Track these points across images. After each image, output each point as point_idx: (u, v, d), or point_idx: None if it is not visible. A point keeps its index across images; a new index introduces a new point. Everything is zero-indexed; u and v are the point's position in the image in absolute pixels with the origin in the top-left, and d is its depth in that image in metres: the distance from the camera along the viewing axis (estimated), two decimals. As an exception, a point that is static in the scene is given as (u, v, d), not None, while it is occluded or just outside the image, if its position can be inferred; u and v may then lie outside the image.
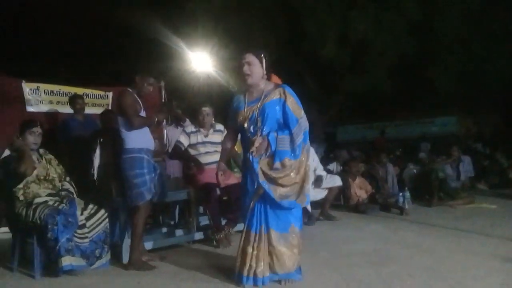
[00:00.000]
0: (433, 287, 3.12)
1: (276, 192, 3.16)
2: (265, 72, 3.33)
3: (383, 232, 5.13)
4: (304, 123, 3.26)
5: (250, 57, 3.28)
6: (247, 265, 3.21)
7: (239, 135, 3.53)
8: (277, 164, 3.17)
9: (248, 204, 3.27)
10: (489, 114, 17.85)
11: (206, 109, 4.90)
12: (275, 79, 3.50)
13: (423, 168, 7.93)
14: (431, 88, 13.74)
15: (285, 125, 3.24)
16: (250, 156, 3.20)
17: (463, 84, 13.29)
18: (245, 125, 3.28)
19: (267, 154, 3.19)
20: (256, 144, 3.17)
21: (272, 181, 3.16)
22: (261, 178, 3.16)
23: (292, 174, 3.18)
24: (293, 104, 3.25)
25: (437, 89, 13.55)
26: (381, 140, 14.11)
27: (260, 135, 3.20)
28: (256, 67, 3.28)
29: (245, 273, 3.21)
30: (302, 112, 3.29)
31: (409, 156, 10.59)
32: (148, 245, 4.28)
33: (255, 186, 3.22)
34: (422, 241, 4.53)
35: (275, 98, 3.26)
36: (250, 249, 3.22)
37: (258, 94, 3.32)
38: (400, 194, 6.52)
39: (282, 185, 3.16)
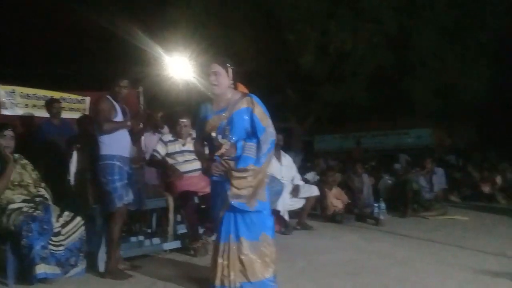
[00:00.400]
0: (407, 298, 3.18)
1: (231, 191, 3.17)
2: (231, 82, 3.35)
3: (359, 243, 5.19)
4: (271, 132, 3.31)
5: (216, 67, 3.30)
6: (219, 275, 3.20)
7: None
8: (240, 169, 3.19)
9: (217, 214, 3.27)
10: (462, 127, 18.27)
11: (184, 121, 4.89)
12: (242, 88, 3.54)
13: (398, 179, 8.05)
14: (407, 100, 14.01)
15: (252, 133, 3.28)
16: (217, 158, 3.22)
17: (438, 97, 13.60)
18: (213, 134, 3.28)
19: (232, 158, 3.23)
20: (226, 147, 3.21)
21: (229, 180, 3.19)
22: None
23: (249, 178, 3.19)
24: (261, 113, 3.30)
25: (413, 101, 13.83)
26: (357, 150, 14.27)
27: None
28: (222, 77, 3.30)
29: (217, 283, 3.20)
30: (270, 121, 3.34)
31: (385, 167, 10.74)
32: (124, 253, 4.22)
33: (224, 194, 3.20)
34: (396, 251, 4.61)
35: (243, 107, 3.30)
36: (220, 259, 3.23)
37: (225, 103, 3.34)
38: (376, 204, 6.59)
39: (236, 187, 3.16)
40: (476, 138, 19.10)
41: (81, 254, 3.88)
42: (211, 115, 3.33)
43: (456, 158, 12.72)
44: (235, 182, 3.16)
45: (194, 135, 4.94)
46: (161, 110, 5.96)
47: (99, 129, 3.76)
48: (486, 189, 8.85)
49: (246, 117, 3.28)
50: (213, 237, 4.50)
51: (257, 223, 3.26)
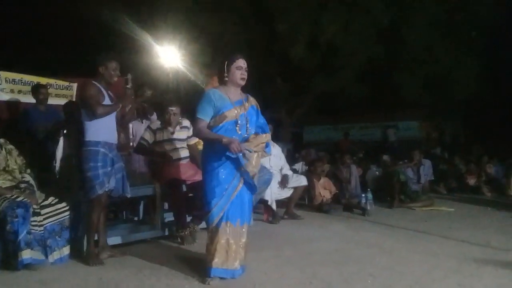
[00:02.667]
0: (392, 286, 3.20)
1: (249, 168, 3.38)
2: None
3: (346, 232, 5.22)
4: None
5: (244, 63, 3.51)
6: (223, 257, 3.32)
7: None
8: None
9: (226, 197, 3.36)
10: (449, 120, 18.46)
11: (173, 109, 4.82)
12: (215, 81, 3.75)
13: (386, 170, 8.11)
14: (396, 93, 14.09)
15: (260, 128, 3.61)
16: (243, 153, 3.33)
17: (427, 90, 13.69)
18: (238, 123, 3.42)
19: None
20: (257, 140, 3.44)
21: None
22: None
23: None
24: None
25: (402, 94, 13.91)
26: (345, 142, 14.34)
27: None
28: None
29: (229, 266, 3.34)
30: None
31: (372, 158, 10.81)
32: (112, 240, 4.20)
33: (236, 180, 3.38)
34: (383, 241, 4.64)
35: (253, 104, 3.59)
36: (232, 242, 3.37)
37: (240, 96, 3.55)
38: (363, 195, 6.63)
39: (254, 166, 3.43)
40: (462, 131, 19.32)
41: (59, 238, 3.83)
42: (229, 105, 3.43)
43: (441, 151, 12.85)
44: (254, 162, 3.39)
45: (184, 123, 4.95)
46: (150, 89, 5.78)
47: (93, 113, 3.68)
48: (471, 181, 8.97)
49: (256, 113, 3.59)
50: (201, 225, 4.55)
51: (251, 208, 3.56)
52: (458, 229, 5.29)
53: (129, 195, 4.11)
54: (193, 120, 3.58)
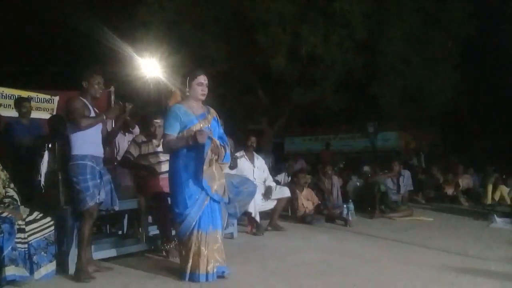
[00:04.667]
0: (376, 296, 3.29)
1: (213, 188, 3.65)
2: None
3: (329, 243, 5.31)
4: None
5: (205, 79, 3.75)
6: (202, 263, 3.56)
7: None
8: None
9: (198, 207, 3.58)
10: (426, 131, 18.82)
11: (158, 121, 4.85)
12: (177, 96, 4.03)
13: (366, 181, 8.25)
14: (375, 104, 14.33)
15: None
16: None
17: (404, 101, 13.97)
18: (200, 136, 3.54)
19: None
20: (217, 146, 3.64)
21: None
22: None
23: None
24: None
25: (380, 105, 14.15)
26: (327, 153, 14.50)
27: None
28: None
29: (201, 271, 3.55)
30: None
31: (352, 168, 10.97)
32: (96, 255, 4.16)
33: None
34: (365, 251, 4.74)
35: (214, 116, 3.83)
36: (203, 248, 3.58)
37: (202, 109, 3.77)
38: (345, 206, 6.74)
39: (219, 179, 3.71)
40: (439, 142, 19.72)
41: (45, 254, 3.79)
42: (195, 120, 3.64)
43: (418, 160, 13.10)
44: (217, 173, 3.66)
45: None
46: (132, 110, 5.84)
47: (77, 126, 3.70)
48: (449, 191, 9.19)
49: (217, 125, 3.81)
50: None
51: (221, 214, 3.81)
52: (437, 238, 5.44)
53: (117, 208, 4.12)
54: (163, 134, 3.72)
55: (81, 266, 3.75)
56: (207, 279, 3.56)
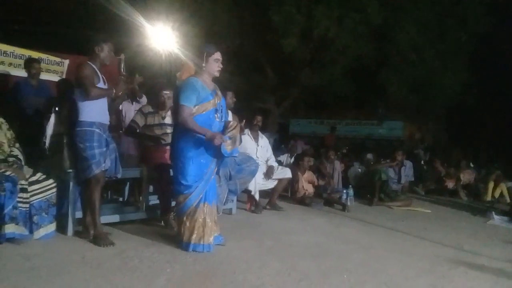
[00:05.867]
0: (367, 282, 3.33)
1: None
2: None
3: (326, 227, 5.36)
4: None
5: (220, 55, 3.81)
6: (207, 234, 3.73)
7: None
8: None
9: (206, 180, 3.73)
10: (432, 123, 18.73)
11: (167, 93, 4.86)
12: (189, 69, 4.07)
13: (368, 168, 8.27)
14: (382, 92, 14.24)
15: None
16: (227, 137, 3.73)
17: (413, 91, 13.87)
18: (217, 111, 3.76)
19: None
20: (235, 126, 3.83)
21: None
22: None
23: None
24: None
25: (388, 93, 14.06)
26: (331, 137, 14.45)
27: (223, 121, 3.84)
28: None
29: (205, 241, 3.72)
30: None
31: (355, 155, 10.98)
32: (96, 219, 4.23)
33: (213, 164, 3.79)
34: (361, 238, 4.79)
35: (220, 93, 3.90)
36: (208, 220, 3.75)
37: (213, 86, 3.84)
38: (344, 191, 6.78)
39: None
40: (444, 135, 19.64)
41: (46, 215, 3.85)
42: (210, 95, 3.71)
43: (424, 153, 13.08)
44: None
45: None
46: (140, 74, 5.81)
47: (87, 94, 3.70)
48: (450, 184, 9.20)
49: (224, 101, 3.95)
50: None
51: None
52: (433, 230, 5.48)
53: (120, 176, 4.16)
54: (177, 107, 3.69)
55: (100, 231, 3.85)
56: (209, 249, 3.72)
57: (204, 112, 3.68)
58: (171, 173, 4.68)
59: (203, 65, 3.73)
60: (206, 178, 3.74)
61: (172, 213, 4.53)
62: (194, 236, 3.71)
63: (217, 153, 3.73)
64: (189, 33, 10.98)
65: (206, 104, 3.69)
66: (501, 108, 17.87)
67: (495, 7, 13.40)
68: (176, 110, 3.72)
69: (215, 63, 3.76)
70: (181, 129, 3.74)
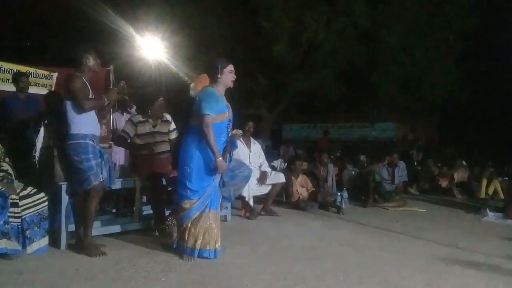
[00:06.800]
0: (363, 283, 3.32)
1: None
2: None
3: (321, 229, 5.35)
4: None
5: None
6: (213, 240, 3.78)
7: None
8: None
9: (213, 186, 3.82)
10: (424, 123, 18.84)
11: (161, 99, 4.90)
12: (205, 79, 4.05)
13: (362, 170, 8.28)
14: (373, 94, 14.31)
15: None
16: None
17: (404, 92, 13.96)
18: (229, 122, 3.91)
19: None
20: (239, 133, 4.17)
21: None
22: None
23: None
24: None
25: (379, 95, 14.14)
26: (324, 140, 14.50)
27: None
28: None
29: (211, 247, 3.76)
30: None
31: (349, 157, 11.00)
32: (89, 231, 4.21)
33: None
34: (356, 239, 4.78)
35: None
36: (214, 226, 3.80)
37: (224, 97, 3.93)
38: (338, 193, 6.76)
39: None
40: (436, 134, 19.76)
41: (38, 229, 3.82)
42: (226, 107, 3.84)
43: (416, 153, 13.14)
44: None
45: (165, 117, 4.98)
46: (130, 90, 5.82)
47: (81, 107, 3.71)
48: (443, 183, 9.23)
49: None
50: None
51: None
52: (428, 229, 5.48)
53: (114, 187, 4.15)
54: (198, 115, 3.73)
55: (90, 242, 3.86)
56: (216, 255, 3.77)
57: (221, 121, 3.81)
58: (164, 182, 4.69)
59: (219, 76, 3.84)
60: (214, 184, 3.82)
61: (169, 221, 4.50)
62: (199, 242, 3.73)
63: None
64: (179, 43, 11.01)
65: (222, 115, 3.81)
66: (492, 105, 18.02)
67: (480, 5, 13.55)
68: (199, 119, 3.74)
69: (230, 74, 3.89)
70: (191, 136, 3.79)
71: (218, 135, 3.78)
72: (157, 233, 4.56)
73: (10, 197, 3.64)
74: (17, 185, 3.86)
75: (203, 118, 3.68)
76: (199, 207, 3.75)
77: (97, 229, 4.37)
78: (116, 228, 4.58)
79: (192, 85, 4.05)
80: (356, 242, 4.64)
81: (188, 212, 3.77)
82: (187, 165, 3.77)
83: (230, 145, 3.97)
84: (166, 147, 4.92)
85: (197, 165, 3.75)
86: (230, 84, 3.93)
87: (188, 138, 3.83)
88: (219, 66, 3.84)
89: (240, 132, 4.28)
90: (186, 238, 3.77)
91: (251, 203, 5.83)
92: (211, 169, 3.76)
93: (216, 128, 3.75)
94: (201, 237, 3.73)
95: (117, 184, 4.53)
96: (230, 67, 3.90)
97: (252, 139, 6.30)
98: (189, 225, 3.76)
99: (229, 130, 3.92)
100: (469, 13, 13.35)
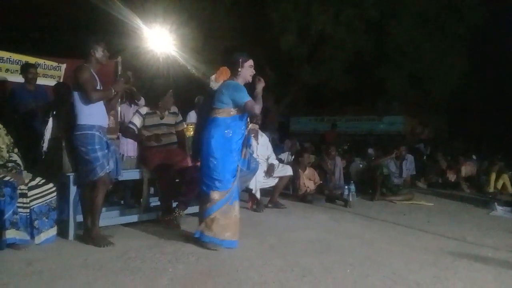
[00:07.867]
0: (370, 276, 3.31)
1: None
2: None
3: (328, 222, 5.34)
4: None
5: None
6: (238, 230, 3.91)
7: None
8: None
9: (238, 178, 3.88)
10: (433, 116, 18.69)
11: (171, 91, 4.96)
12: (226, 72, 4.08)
13: (369, 163, 8.24)
14: (382, 87, 14.21)
15: None
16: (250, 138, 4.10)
17: (412, 85, 13.84)
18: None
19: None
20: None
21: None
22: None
23: None
24: None
25: (387, 88, 14.03)
26: (332, 133, 14.43)
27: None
28: None
29: (236, 237, 3.88)
30: None
31: (356, 150, 10.95)
32: (97, 222, 4.23)
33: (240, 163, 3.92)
34: (363, 232, 4.77)
35: None
36: (238, 217, 3.93)
37: None
38: (346, 187, 6.75)
39: None
40: (445, 128, 19.61)
41: (46, 220, 3.85)
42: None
43: (424, 146, 13.06)
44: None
45: (172, 109, 4.99)
46: (138, 82, 5.86)
47: (89, 98, 3.72)
48: (452, 177, 9.17)
49: None
50: (186, 211, 4.60)
51: None
52: (436, 223, 5.45)
53: (120, 178, 4.17)
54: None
55: (98, 233, 3.89)
56: (236, 246, 3.88)
57: (241, 114, 3.90)
58: (171, 174, 4.70)
59: (239, 70, 3.92)
60: (239, 175, 3.89)
61: (176, 212, 4.51)
62: (228, 233, 3.81)
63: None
64: (187, 35, 10.97)
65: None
66: (501, 99, 17.85)
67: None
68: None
69: (249, 69, 3.98)
70: (215, 129, 3.83)
71: (239, 127, 3.90)
72: (164, 224, 4.57)
73: (19, 188, 3.67)
74: (26, 175, 3.88)
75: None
76: (228, 198, 3.82)
77: (104, 220, 4.40)
78: (124, 219, 4.61)
79: (212, 77, 4.07)
80: (363, 235, 4.63)
81: (218, 203, 3.80)
82: (211, 157, 3.80)
83: (247, 140, 4.00)
84: (173, 138, 4.94)
85: (222, 157, 3.80)
86: (249, 79, 4.00)
87: (212, 131, 3.85)
88: (240, 60, 3.93)
89: (257, 127, 4.39)
90: (214, 228, 3.79)
91: (258, 195, 5.84)
92: (235, 160, 3.85)
93: (238, 120, 3.88)
94: (230, 229, 3.82)
95: (125, 175, 4.56)
96: (250, 62, 3.99)
97: (259, 131, 6.29)
98: (217, 215, 3.79)
99: (247, 123, 4.03)
100: (480, 6, 13.18)
